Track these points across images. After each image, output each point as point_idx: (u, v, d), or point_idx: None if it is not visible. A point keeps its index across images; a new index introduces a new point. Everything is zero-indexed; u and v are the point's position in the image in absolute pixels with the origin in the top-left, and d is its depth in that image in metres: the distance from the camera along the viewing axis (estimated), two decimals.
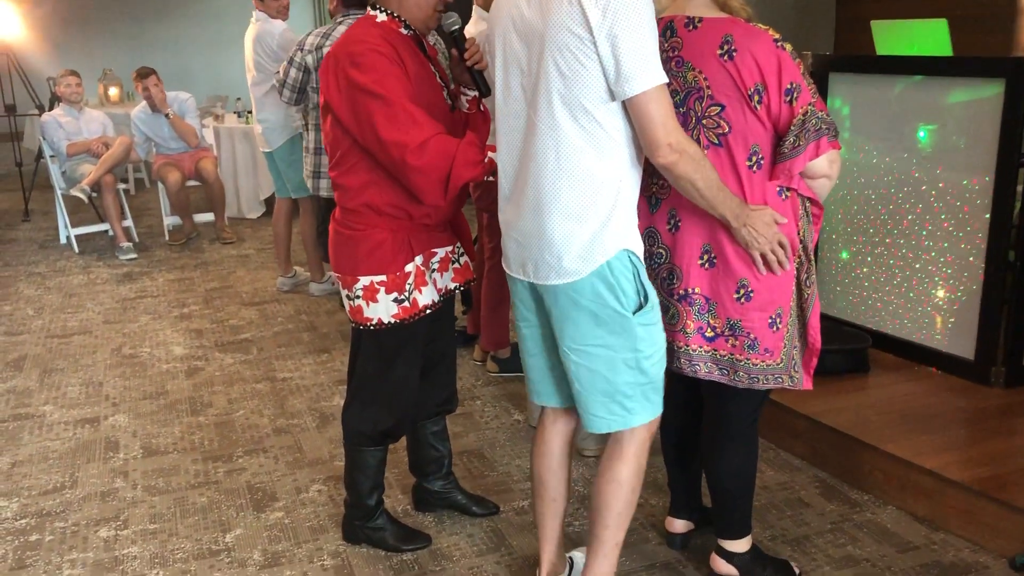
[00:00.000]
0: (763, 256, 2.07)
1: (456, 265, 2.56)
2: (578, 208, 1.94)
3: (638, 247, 2.02)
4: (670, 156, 1.87)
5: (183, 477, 3.20)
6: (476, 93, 2.46)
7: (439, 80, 2.43)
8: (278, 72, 4.52)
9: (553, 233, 1.97)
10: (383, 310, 2.42)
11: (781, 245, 2.06)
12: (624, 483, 2.14)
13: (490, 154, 2.26)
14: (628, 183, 1.98)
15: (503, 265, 2.20)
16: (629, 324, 2.00)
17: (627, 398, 2.06)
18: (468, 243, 2.62)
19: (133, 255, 6.30)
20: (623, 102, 1.88)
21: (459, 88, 2.49)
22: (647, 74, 1.83)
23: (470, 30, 3.64)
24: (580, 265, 1.96)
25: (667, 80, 1.88)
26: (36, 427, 3.63)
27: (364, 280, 2.40)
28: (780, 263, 2.07)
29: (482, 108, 2.55)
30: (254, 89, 5.06)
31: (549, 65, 1.89)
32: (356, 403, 2.59)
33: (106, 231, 6.73)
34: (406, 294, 2.41)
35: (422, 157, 2.18)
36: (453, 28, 2.42)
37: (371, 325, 2.44)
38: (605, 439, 2.23)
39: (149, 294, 5.47)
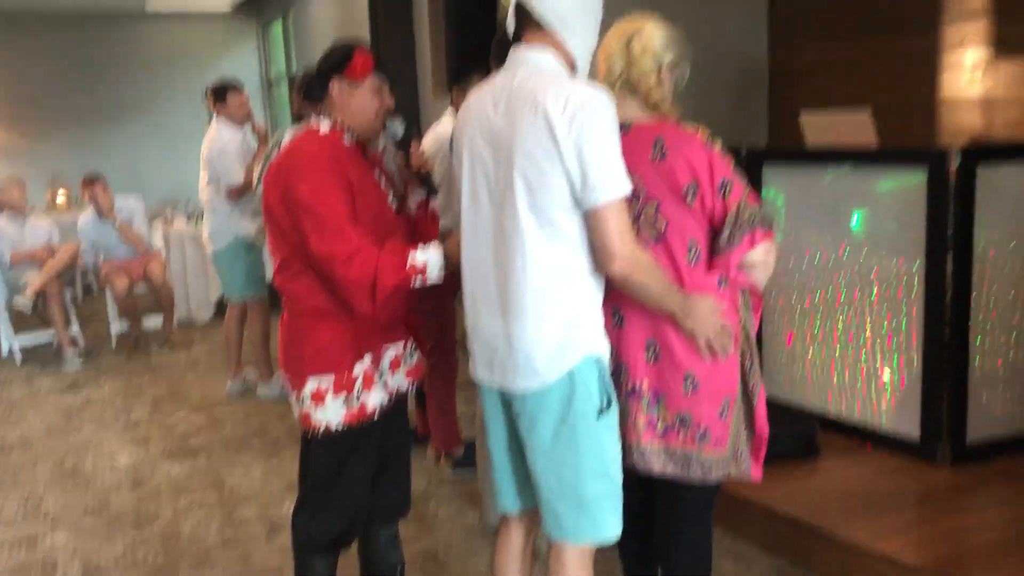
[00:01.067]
0: (708, 343, 2.09)
1: (408, 364, 2.55)
2: (544, 313, 1.96)
3: (604, 350, 2.04)
4: (625, 268, 1.92)
5: None
6: (421, 197, 2.51)
7: (384, 186, 2.47)
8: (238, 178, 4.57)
9: (521, 338, 1.98)
10: (332, 414, 2.38)
11: (724, 331, 2.09)
12: None
13: (412, 254, 2.27)
14: (592, 288, 2.01)
15: (470, 369, 2.20)
16: (595, 428, 2.01)
17: (596, 509, 2.05)
18: (421, 341, 2.61)
19: (79, 363, 6.18)
20: (585, 211, 1.92)
21: (407, 191, 2.54)
22: (612, 185, 1.88)
23: (444, 128, 3.71)
24: (547, 369, 1.97)
25: (630, 191, 1.93)
26: None
27: (311, 384, 2.37)
28: (723, 348, 2.10)
29: (430, 210, 2.60)
30: (204, 190, 5.08)
31: (515, 173, 1.93)
32: (306, 509, 2.53)
33: (51, 340, 6.60)
34: (354, 397, 2.39)
35: (349, 269, 2.21)
36: (397, 134, 2.48)
37: (320, 430, 2.41)
38: None
39: (95, 403, 5.34)
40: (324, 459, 2.46)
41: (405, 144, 2.48)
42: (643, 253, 1.96)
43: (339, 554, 2.59)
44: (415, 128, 3.97)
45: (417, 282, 2.28)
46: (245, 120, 5.03)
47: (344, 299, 2.28)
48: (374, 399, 2.43)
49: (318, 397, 2.37)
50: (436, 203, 2.73)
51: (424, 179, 2.48)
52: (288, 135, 4.28)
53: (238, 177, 4.89)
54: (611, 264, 1.92)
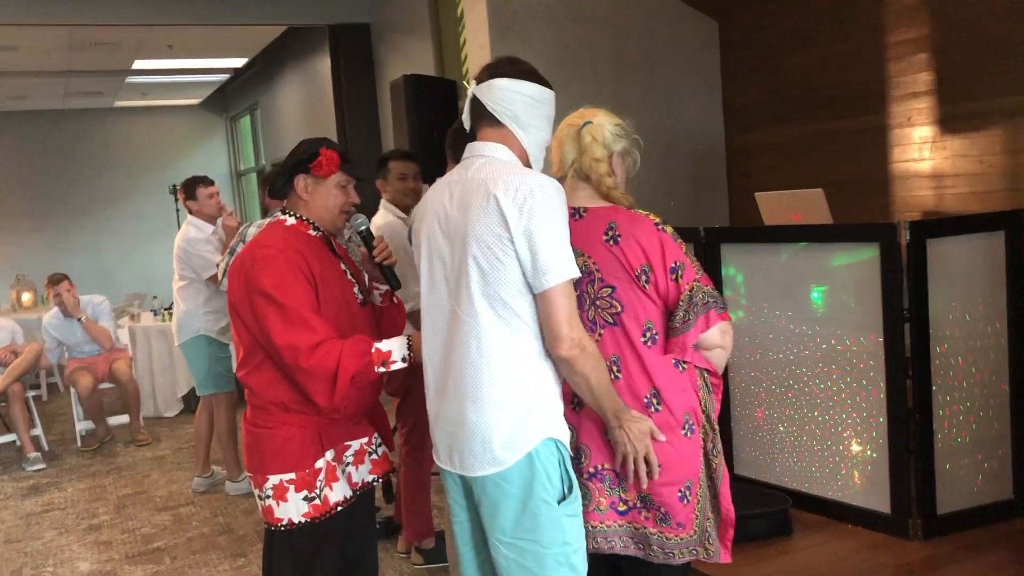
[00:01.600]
0: (624, 461, 2.07)
1: (374, 456, 2.52)
2: (500, 397, 1.97)
3: (564, 435, 2.04)
4: (573, 350, 1.94)
5: None
6: (386, 289, 2.53)
7: (350, 277, 2.48)
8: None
9: (478, 423, 1.98)
10: (293, 509, 2.35)
11: (647, 462, 2.06)
12: None
13: (376, 344, 2.28)
14: (548, 372, 2.02)
15: (433, 456, 2.18)
16: (556, 515, 1.99)
17: None
18: (386, 433, 2.59)
19: (41, 465, 6.03)
20: (535, 294, 1.96)
21: (372, 284, 2.56)
22: (561, 268, 1.92)
23: (376, 221, 3.76)
24: (506, 454, 1.97)
25: (578, 274, 1.97)
26: None
27: (273, 479, 2.35)
28: (639, 476, 2.07)
29: (395, 301, 2.61)
30: (175, 284, 5.11)
31: (469, 259, 1.97)
32: None
33: (13, 442, 6.45)
34: (316, 491, 2.36)
35: (311, 359, 2.21)
36: (361, 228, 2.52)
37: (282, 525, 2.37)
38: None
39: (56, 506, 5.20)
40: (288, 554, 2.42)
41: (367, 238, 2.52)
42: (591, 343, 1.98)
43: None
44: None
45: (381, 368, 2.28)
46: (216, 214, 5.09)
47: (305, 390, 2.27)
48: (337, 493, 2.40)
49: (280, 492, 2.34)
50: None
51: (387, 272, 2.51)
52: (253, 228, 4.32)
53: (213, 268, 4.93)
54: (558, 347, 1.95)
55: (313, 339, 2.22)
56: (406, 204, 3.83)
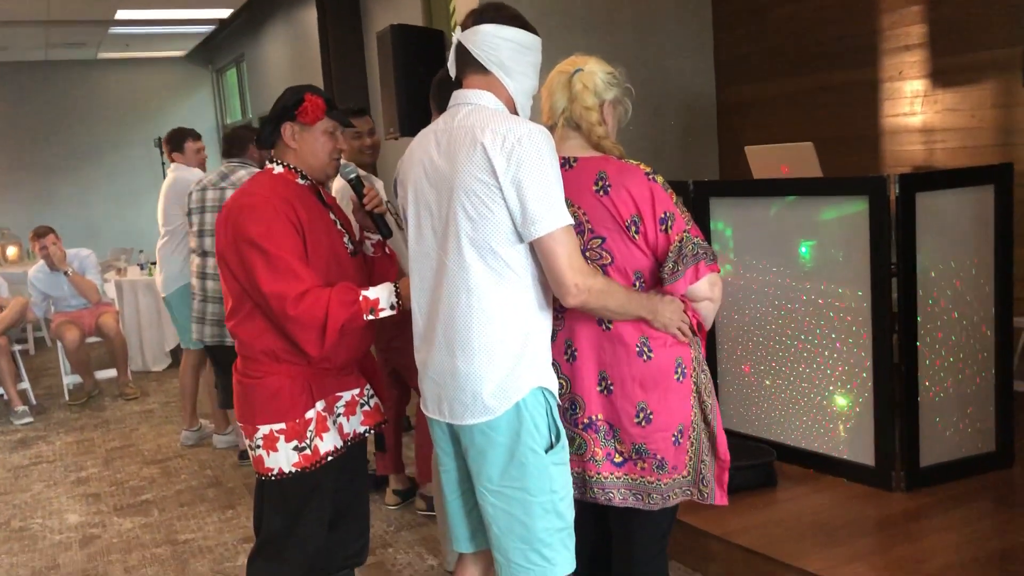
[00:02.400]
0: (679, 331, 2.14)
1: (366, 408, 2.52)
2: (490, 347, 1.96)
3: (552, 384, 2.04)
4: (579, 297, 1.94)
5: None
6: (378, 238, 2.51)
7: (339, 227, 2.46)
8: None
9: (467, 373, 1.98)
10: (283, 459, 2.36)
11: (688, 327, 2.14)
12: None
13: (364, 292, 2.27)
14: (538, 321, 2.02)
15: (420, 405, 2.19)
16: (543, 463, 2.00)
17: (547, 547, 2.03)
18: (379, 384, 2.58)
19: (29, 419, 6.03)
20: (530, 243, 1.94)
21: (364, 233, 2.54)
22: (552, 217, 1.90)
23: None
24: (494, 403, 1.97)
25: (572, 222, 1.95)
26: None
27: (264, 429, 2.35)
28: (685, 335, 2.14)
29: (387, 251, 2.59)
30: (161, 237, 5.09)
31: (458, 209, 1.95)
32: (260, 558, 2.48)
33: (0, 395, 6.44)
34: (307, 441, 2.36)
35: (298, 307, 2.20)
36: (351, 176, 2.49)
37: (273, 475, 2.38)
38: None
39: (44, 459, 5.21)
40: (278, 506, 2.43)
41: (357, 186, 2.48)
42: (596, 278, 1.97)
43: None
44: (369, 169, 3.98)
45: (369, 316, 2.27)
46: (201, 166, 5.09)
47: (294, 339, 2.26)
48: (327, 443, 2.40)
49: (270, 442, 2.35)
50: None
51: (378, 220, 2.48)
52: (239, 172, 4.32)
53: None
54: (565, 297, 1.96)
55: (300, 287, 2.20)
56: (363, 161, 3.81)
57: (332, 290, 2.24)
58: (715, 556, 3.16)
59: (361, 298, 2.26)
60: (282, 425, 2.34)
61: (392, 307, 2.30)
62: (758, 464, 3.50)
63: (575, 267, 1.92)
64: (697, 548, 3.20)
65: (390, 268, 2.57)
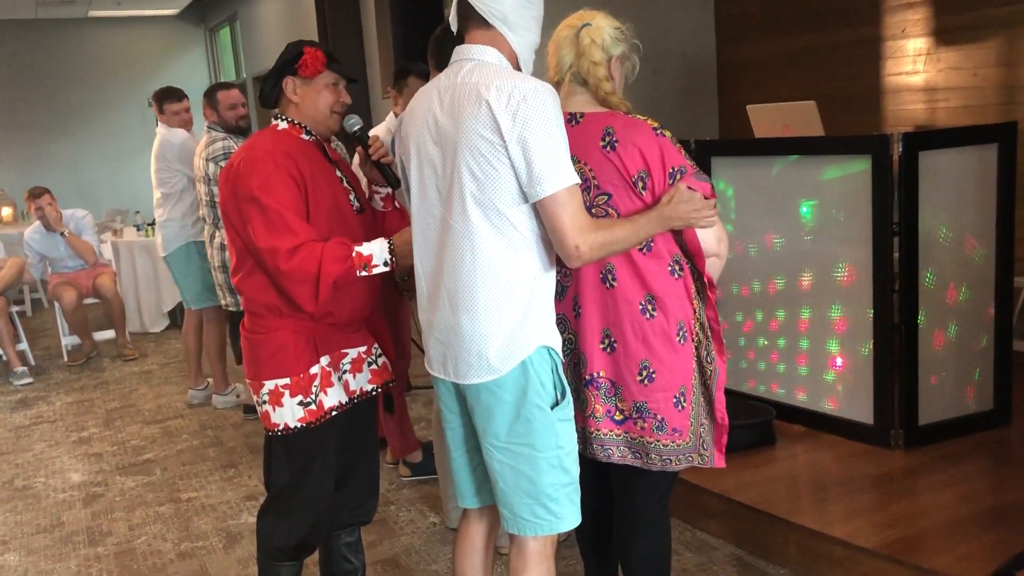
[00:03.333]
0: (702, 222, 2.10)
1: (373, 366, 2.51)
2: (495, 306, 1.96)
3: (556, 342, 2.04)
4: (582, 258, 1.93)
5: None
6: (389, 190, 2.48)
7: (346, 184, 2.44)
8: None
9: (472, 332, 1.98)
10: (288, 414, 2.36)
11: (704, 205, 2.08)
12: None
13: (357, 248, 2.25)
14: (543, 280, 2.01)
15: (425, 364, 2.18)
16: (549, 420, 2.01)
17: (553, 501, 2.05)
18: (386, 343, 2.58)
19: (28, 380, 6.04)
20: (534, 204, 1.92)
21: (372, 188, 2.52)
22: (558, 175, 1.88)
23: (382, 132, 3.67)
24: (500, 363, 1.97)
25: (578, 181, 1.93)
26: None
27: (269, 384, 2.35)
28: (711, 217, 2.10)
29: (397, 205, 2.57)
30: (157, 198, 5.07)
31: (462, 168, 1.93)
32: (270, 514, 2.50)
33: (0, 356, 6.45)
34: (312, 396, 2.36)
35: (291, 261, 2.19)
36: (355, 128, 2.46)
37: (279, 430, 2.38)
38: None
39: (45, 419, 5.22)
40: (284, 462, 2.44)
41: (363, 138, 2.45)
42: (595, 234, 1.93)
43: (303, 562, 2.55)
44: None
45: (363, 272, 2.26)
46: (184, 127, 5.04)
47: (288, 294, 2.26)
48: (331, 398, 2.40)
49: (275, 397, 2.35)
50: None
51: (385, 171, 2.45)
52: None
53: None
54: (568, 260, 1.95)
55: (293, 242, 2.19)
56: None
57: (325, 245, 2.22)
58: (714, 513, 3.19)
59: (354, 253, 2.25)
60: (286, 380, 2.34)
61: (386, 263, 2.28)
62: (757, 423, 3.52)
63: (577, 227, 1.91)
64: (696, 505, 3.24)
65: (400, 223, 2.55)
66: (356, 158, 2.72)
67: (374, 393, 2.52)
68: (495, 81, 1.91)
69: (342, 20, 7.45)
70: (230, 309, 4.59)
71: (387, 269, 2.30)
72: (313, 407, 2.37)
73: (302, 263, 2.19)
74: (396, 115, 3.78)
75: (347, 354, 2.45)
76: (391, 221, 2.55)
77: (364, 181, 2.57)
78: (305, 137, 2.39)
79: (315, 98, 2.37)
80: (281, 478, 2.45)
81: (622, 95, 2.16)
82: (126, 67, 11.80)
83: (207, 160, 4.39)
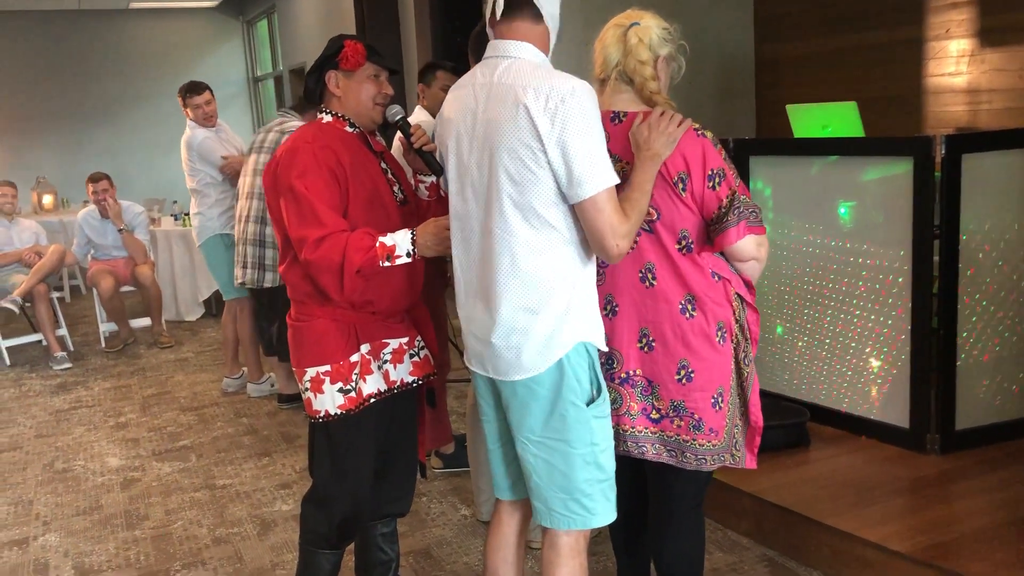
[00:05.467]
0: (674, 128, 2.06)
1: (415, 358, 2.53)
2: (534, 306, 1.97)
3: (596, 337, 2.04)
4: (623, 253, 1.95)
5: None
6: (433, 178, 2.50)
7: (391, 176, 2.47)
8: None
9: (510, 331, 1.99)
10: (329, 401, 2.39)
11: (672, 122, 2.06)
12: None
13: (381, 238, 2.25)
14: (583, 278, 2.02)
15: (464, 359, 2.20)
16: (585, 416, 2.01)
17: (587, 496, 2.06)
18: (429, 336, 2.59)
19: (67, 365, 6.15)
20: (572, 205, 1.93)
21: (417, 178, 2.53)
22: (598, 177, 1.88)
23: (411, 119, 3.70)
24: (538, 361, 1.98)
25: (617, 181, 1.93)
26: None
27: (311, 371, 2.39)
28: (679, 122, 2.06)
29: (442, 195, 2.57)
30: (189, 189, 5.18)
31: (500, 172, 1.93)
32: (312, 501, 2.54)
33: (39, 341, 6.57)
34: (352, 384, 2.39)
35: (316, 251, 2.23)
36: (397, 118, 2.48)
37: (320, 417, 2.42)
38: None
39: (84, 404, 5.32)
40: (325, 449, 2.47)
41: (405, 127, 2.46)
42: (627, 226, 1.94)
43: (343, 551, 2.58)
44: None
45: (386, 263, 2.25)
46: (205, 122, 5.11)
47: (316, 283, 2.30)
48: (370, 385, 2.43)
49: (317, 384, 2.39)
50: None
51: (428, 158, 2.46)
52: (263, 133, 4.35)
53: (219, 160, 5.04)
54: (611, 260, 1.97)
55: (320, 232, 2.23)
56: None
57: (351, 235, 2.25)
58: (746, 513, 3.19)
59: (378, 244, 2.25)
60: (327, 367, 2.37)
61: (408, 254, 2.27)
62: (791, 424, 3.51)
63: (615, 229, 1.91)
64: (728, 505, 3.23)
65: (445, 212, 2.56)
66: (397, 146, 2.74)
67: (415, 385, 2.54)
68: (532, 82, 1.90)
69: (380, 14, 7.50)
70: (248, 287, 4.60)
71: (410, 260, 2.29)
72: (352, 394, 2.40)
73: (327, 252, 2.23)
74: (424, 108, 3.81)
75: (388, 344, 2.47)
76: (435, 211, 2.55)
77: (410, 172, 2.59)
78: (349, 129, 2.42)
79: (357, 90, 2.40)
80: (322, 466, 2.49)
81: (667, 96, 2.16)
82: (164, 58, 11.93)
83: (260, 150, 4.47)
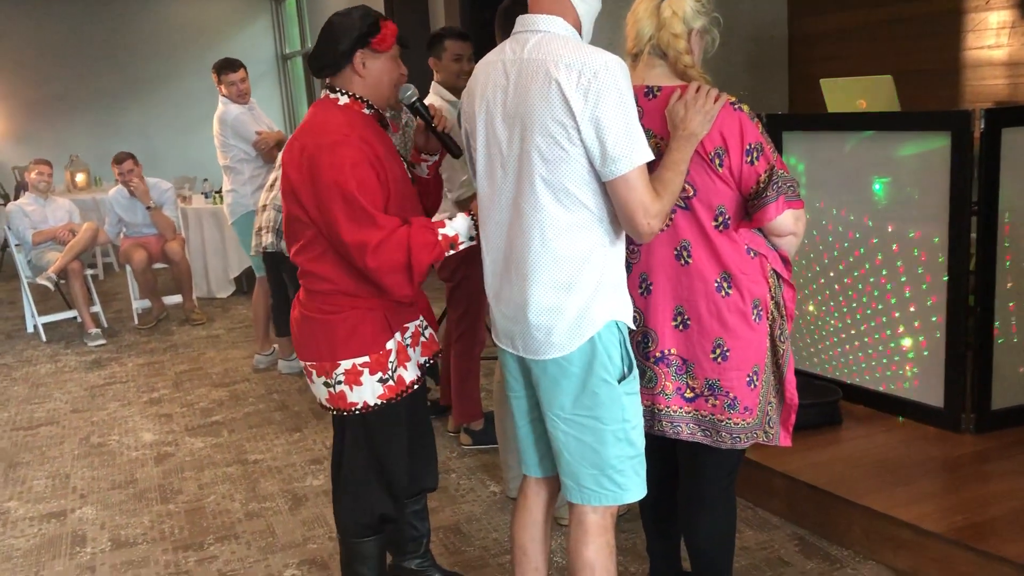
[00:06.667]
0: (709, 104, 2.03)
1: (423, 339, 2.54)
2: (565, 285, 1.95)
3: (626, 314, 2.03)
4: (654, 231, 1.92)
5: (153, 569, 3.12)
6: (435, 158, 2.49)
7: (400, 153, 2.45)
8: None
9: (540, 310, 1.97)
10: (368, 392, 2.36)
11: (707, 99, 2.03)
12: (596, 565, 2.09)
13: (441, 231, 2.25)
14: (613, 257, 2.00)
15: (492, 336, 2.19)
16: (616, 393, 2.01)
17: (618, 473, 2.05)
18: (431, 315, 2.60)
19: (101, 341, 6.24)
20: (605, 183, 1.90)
21: (421, 157, 2.51)
22: (631, 155, 1.85)
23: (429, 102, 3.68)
24: (569, 340, 1.97)
25: (652, 158, 1.90)
26: (0, 525, 3.53)
27: (346, 364, 2.33)
28: (716, 98, 2.03)
29: (438, 173, 2.58)
30: (222, 166, 5.22)
31: (531, 150, 1.91)
32: (348, 496, 2.52)
33: (74, 318, 6.66)
34: (390, 372, 2.38)
35: (378, 257, 2.17)
36: (413, 99, 2.44)
37: (356, 410, 2.38)
38: None
39: (118, 380, 5.39)
40: (361, 440, 2.45)
41: (420, 109, 2.43)
42: (659, 205, 1.90)
43: (385, 531, 2.59)
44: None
45: (450, 252, 2.26)
46: (239, 99, 5.13)
47: (379, 286, 2.24)
48: (410, 373, 2.43)
49: (353, 376, 2.34)
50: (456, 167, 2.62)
51: (448, 141, 2.44)
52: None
53: (253, 135, 5.06)
54: (641, 238, 1.94)
55: (379, 236, 2.17)
56: (459, 87, 3.73)
57: (411, 232, 2.19)
58: (778, 492, 3.17)
59: (440, 237, 2.23)
60: (365, 358, 2.33)
61: (471, 239, 2.28)
62: (823, 403, 3.47)
63: (647, 208, 1.88)
64: (759, 484, 3.21)
65: (438, 190, 2.56)
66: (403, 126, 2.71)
67: (427, 365, 2.55)
68: (563, 57, 1.86)
69: None
70: (269, 250, 4.60)
71: (473, 244, 2.28)
72: (392, 383, 2.38)
73: (391, 255, 2.17)
74: (439, 83, 3.77)
75: (408, 328, 2.46)
76: (431, 188, 2.54)
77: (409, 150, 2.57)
78: (367, 111, 2.35)
79: (382, 72, 2.32)
80: (358, 458, 2.46)
81: (701, 69, 2.13)
82: (194, 37, 11.96)
83: None
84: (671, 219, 2.11)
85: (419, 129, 2.46)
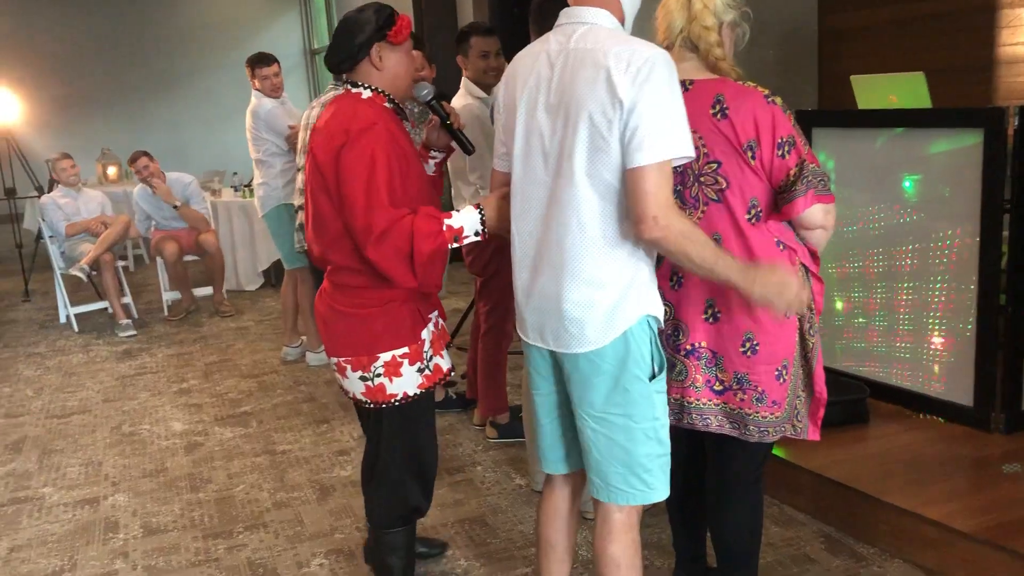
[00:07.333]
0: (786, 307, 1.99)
1: (433, 330, 2.54)
2: (600, 278, 1.94)
3: (658, 310, 2.02)
4: (655, 231, 1.84)
5: (183, 556, 3.17)
6: (443, 155, 2.51)
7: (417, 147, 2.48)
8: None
9: (575, 303, 1.96)
10: (409, 383, 2.39)
11: (801, 291, 1.98)
12: (622, 563, 2.09)
13: (447, 221, 2.25)
14: (646, 251, 1.98)
15: (519, 331, 2.18)
16: (648, 391, 2.00)
17: (647, 471, 2.05)
18: (441, 307, 2.61)
19: (132, 332, 6.32)
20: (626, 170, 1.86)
21: (425, 153, 2.53)
22: (661, 146, 1.82)
23: (455, 103, 3.70)
24: (602, 335, 1.96)
25: (692, 155, 1.87)
26: (35, 510, 3.60)
27: (385, 356, 2.35)
28: (800, 307, 2.01)
29: (442, 171, 2.61)
30: (254, 159, 5.26)
31: (575, 140, 1.90)
32: (383, 489, 2.54)
33: (106, 309, 6.76)
34: (426, 362, 2.41)
35: (380, 246, 2.18)
36: (429, 97, 2.46)
37: (396, 400, 2.40)
38: None
39: (148, 370, 5.47)
40: (398, 430, 2.46)
41: (436, 106, 2.45)
42: (680, 221, 1.85)
43: (415, 523, 2.63)
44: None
45: (453, 244, 2.26)
46: (272, 93, 5.17)
47: (385, 275, 2.24)
48: (446, 360, 2.47)
49: (393, 368, 2.36)
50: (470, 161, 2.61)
51: (463, 138, 2.46)
52: (319, 109, 4.35)
53: (286, 128, 5.09)
54: (640, 228, 1.85)
55: (384, 224, 2.17)
56: (487, 83, 3.74)
57: (415, 220, 2.19)
58: (804, 488, 3.16)
59: (445, 227, 2.23)
60: (405, 349, 2.35)
61: (477, 234, 2.27)
62: (850, 400, 3.46)
63: (660, 200, 1.83)
64: (785, 480, 3.21)
65: (437, 187, 2.59)
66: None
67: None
68: (613, 48, 1.86)
69: None
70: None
71: (478, 239, 2.29)
72: (429, 372, 2.41)
73: (394, 242, 2.18)
74: (468, 79, 3.77)
75: (431, 318, 2.49)
76: (433, 184, 2.57)
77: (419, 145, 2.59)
78: (388, 105, 2.36)
79: (398, 65, 2.35)
80: (394, 449, 2.48)
81: (732, 62, 2.13)
82: (222, 33, 12.07)
83: None
84: (703, 212, 2.12)
85: (433, 126, 2.48)
